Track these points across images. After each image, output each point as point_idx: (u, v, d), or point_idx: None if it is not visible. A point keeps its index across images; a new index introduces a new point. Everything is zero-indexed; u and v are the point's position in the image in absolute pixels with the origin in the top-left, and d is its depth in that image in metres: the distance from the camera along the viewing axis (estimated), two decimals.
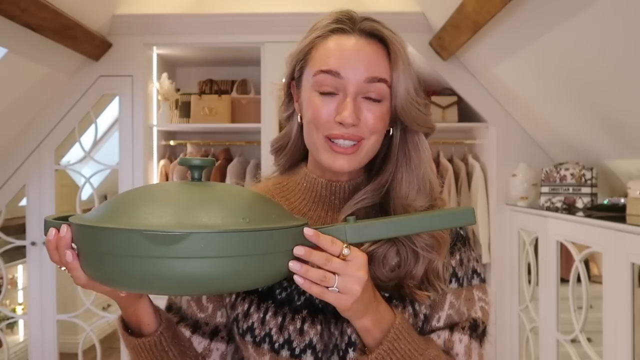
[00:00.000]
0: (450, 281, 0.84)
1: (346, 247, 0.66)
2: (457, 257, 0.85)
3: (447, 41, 2.52)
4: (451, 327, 0.82)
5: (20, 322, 3.87)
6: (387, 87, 0.79)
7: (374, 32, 0.80)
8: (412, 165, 0.83)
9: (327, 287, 0.66)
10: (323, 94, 0.79)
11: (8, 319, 3.32)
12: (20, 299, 3.88)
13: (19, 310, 3.74)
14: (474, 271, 0.86)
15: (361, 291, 0.66)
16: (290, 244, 0.65)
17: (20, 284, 3.88)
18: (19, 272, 3.90)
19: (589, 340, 2.05)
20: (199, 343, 0.87)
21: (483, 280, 0.87)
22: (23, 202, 3.06)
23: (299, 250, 0.64)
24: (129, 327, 0.81)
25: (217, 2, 3.03)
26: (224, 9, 2.93)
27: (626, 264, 1.74)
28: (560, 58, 1.97)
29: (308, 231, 0.65)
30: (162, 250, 0.57)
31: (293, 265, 0.64)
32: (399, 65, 0.79)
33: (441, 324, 0.82)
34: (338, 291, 0.66)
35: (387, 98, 0.80)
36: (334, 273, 0.65)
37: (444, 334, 0.81)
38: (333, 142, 0.79)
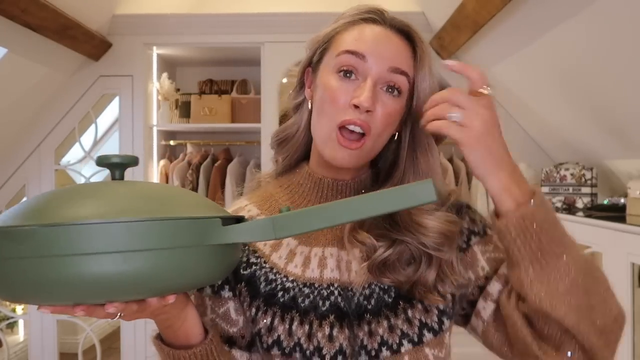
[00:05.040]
0: (470, 238, 0.83)
1: (489, 86, 0.68)
2: (467, 217, 0.84)
3: (447, 41, 2.52)
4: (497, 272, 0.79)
5: (20, 322, 3.87)
6: (408, 83, 0.78)
7: (403, 28, 0.81)
8: (420, 171, 0.81)
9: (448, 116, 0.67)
10: (343, 74, 0.77)
11: (8, 319, 3.32)
12: None
13: (19, 310, 3.74)
14: (489, 226, 0.85)
15: (483, 131, 0.66)
16: (196, 238, 0.56)
17: None
18: None
19: None
20: (240, 356, 0.82)
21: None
22: None
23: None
24: (171, 344, 0.75)
25: (217, 2, 3.03)
26: (224, 9, 2.93)
27: (626, 264, 1.74)
28: (560, 58, 1.97)
29: (452, 62, 0.68)
30: (17, 249, 0.51)
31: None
32: (425, 64, 0.79)
33: (487, 270, 0.80)
34: (459, 124, 0.67)
35: (405, 94, 0.79)
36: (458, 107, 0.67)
37: (498, 285, 0.79)
38: (342, 130, 0.76)
